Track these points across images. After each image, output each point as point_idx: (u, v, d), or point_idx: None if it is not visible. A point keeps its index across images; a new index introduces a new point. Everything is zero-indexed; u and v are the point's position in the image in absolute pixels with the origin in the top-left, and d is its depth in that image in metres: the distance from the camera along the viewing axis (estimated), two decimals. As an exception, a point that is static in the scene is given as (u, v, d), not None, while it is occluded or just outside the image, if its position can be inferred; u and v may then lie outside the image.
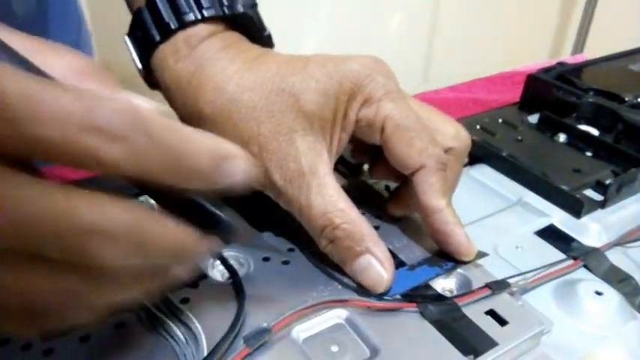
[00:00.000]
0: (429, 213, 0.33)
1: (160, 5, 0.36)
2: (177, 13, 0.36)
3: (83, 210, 0.18)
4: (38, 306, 0.20)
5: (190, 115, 0.35)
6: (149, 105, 0.22)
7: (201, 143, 0.21)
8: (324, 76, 0.32)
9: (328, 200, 0.31)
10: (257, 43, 0.38)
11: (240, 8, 0.37)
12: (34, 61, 0.21)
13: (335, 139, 0.33)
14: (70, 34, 0.60)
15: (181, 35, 0.36)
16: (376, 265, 0.31)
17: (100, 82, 0.23)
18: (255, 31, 0.39)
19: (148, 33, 0.36)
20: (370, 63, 0.33)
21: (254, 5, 0.39)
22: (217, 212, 0.24)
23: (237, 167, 0.22)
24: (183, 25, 0.36)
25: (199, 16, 0.36)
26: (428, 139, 0.33)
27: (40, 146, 0.17)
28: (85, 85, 0.22)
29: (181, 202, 0.23)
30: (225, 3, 0.37)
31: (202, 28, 0.36)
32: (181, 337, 0.28)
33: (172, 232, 0.21)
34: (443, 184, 0.33)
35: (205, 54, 0.35)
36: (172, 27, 0.35)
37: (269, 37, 0.40)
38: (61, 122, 0.17)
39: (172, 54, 0.35)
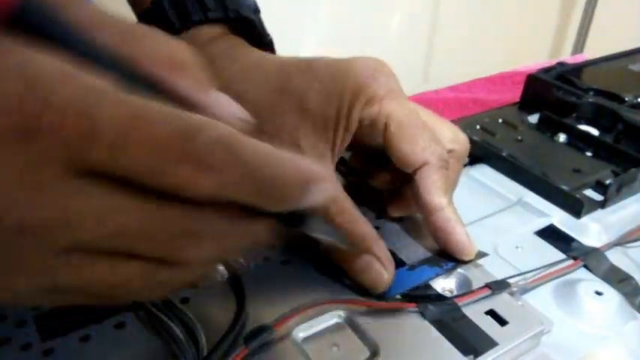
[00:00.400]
0: (430, 211, 0.33)
1: (167, 6, 0.36)
2: (183, 14, 0.36)
3: (173, 221, 0.19)
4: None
5: None
6: (239, 112, 0.22)
7: (292, 169, 0.21)
8: (327, 76, 0.32)
9: None
10: (259, 48, 0.38)
11: (243, 13, 0.38)
12: (129, 48, 0.21)
13: (338, 139, 0.33)
14: None
15: (185, 37, 0.36)
16: (376, 264, 0.31)
17: (195, 78, 0.22)
18: (257, 37, 0.39)
19: None
20: (373, 64, 0.33)
21: (257, 11, 0.39)
22: None
23: (323, 191, 0.22)
24: (187, 25, 0.36)
25: (204, 18, 0.36)
26: (430, 137, 0.33)
27: (132, 174, 0.17)
28: (180, 81, 0.21)
29: None
30: (230, 7, 0.37)
31: (206, 31, 0.36)
32: (181, 337, 0.28)
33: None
34: (445, 182, 0.33)
35: (209, 54, 0.35)
36: (177, 27, 0.36)
37: (271, 42, 0.40)
38: (156, 152, 0.17)
39: None
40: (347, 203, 0.32)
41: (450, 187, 0.34)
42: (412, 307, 0.30)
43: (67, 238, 0.18)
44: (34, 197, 0.17)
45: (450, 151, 0.35)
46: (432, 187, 0.33)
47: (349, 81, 0.32)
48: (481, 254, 0.35)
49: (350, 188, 0.40)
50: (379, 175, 0.37)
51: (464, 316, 0.30)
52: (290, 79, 0.33)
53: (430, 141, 0.32)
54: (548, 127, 0.51)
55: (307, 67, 0.33)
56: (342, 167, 0.44)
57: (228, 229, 0.21)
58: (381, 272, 0.31)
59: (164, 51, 0.22)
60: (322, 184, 0.21)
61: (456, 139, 0.35)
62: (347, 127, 0.33)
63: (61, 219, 0.17)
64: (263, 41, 0.40)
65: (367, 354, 0.28)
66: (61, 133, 0.16)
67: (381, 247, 0.31)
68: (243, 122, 0.22)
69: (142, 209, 0.18)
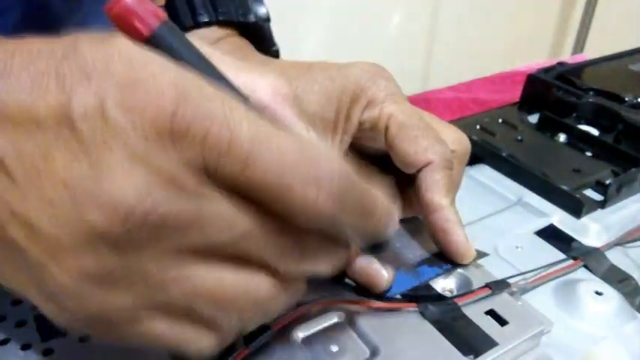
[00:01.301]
0: (431, 210, 0.33)
1: (178, 4, 0.37)
2: (193, 13, 0.37)
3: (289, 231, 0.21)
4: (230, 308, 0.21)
5: None
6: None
7: (382, 205, 0.23)
8: (326, 79, 0.33)
9: None
10: (264, 54, 0.39)
11: (252, 18, 0.38)
12: (238, 81, 0.24)
13: (336, 141, 0.33)
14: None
15: (192, 36, 0.36)
16: (376, 264, 0.31)
17: (294, 109, 0.26)
18: (264, 43, 0.40)
19: None
20: (372, 68, 0.34)
21: (267, 20, 0.40)
22: None
23: (393, 223, 0.24)
24: (197, 24, 0.36)
25: (214, 18, 0.37)
26: (433, 136, 0.33)
27: (260, 186, 0.19)
28: (284, 111, 0.25)
29: None
30: (240, 11, 0.38)
31: (214, 32, 0.37)
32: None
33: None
34: (448, 183, 0.33)
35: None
36: (186, 25, 0.36)
37: (277, 52, 0.41)
38: (285, 170, 0.19)
39: None
40: None
41: (453, 188, 0.34)
42: (412, 307, 0.30)
43: (197, 238, 0.19)
44: (177, 196, 0.18)
45: (451, 152, 0.35)
46: (434, 185, 0.32)
47: (348, 84, 0.33)
48: (481, 254, 0.35)
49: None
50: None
51: (464, 316, 0.30)
52: (290, 81, 0.33)
53: (433, 141, 0.32)
54: (548, 127, 0.51)
55: (307, 70, 0.34)
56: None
57: (324, 252, 0.23)
58: (381, 272, 0.31)
59: (269, 83, 0.25)
60: (394, 217, 0.24)
61: (457, 140, 0.35)
62: (345, 129, 0.33)
63: (196, 218, 0.19)
64: (269, 49, 0.40)
65: (367, 354, 0.28)
66: (205, 141, 0.18)
67: None
68: None
69: (263, 223, 0.20)
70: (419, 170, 0.33)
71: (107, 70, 0.18)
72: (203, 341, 0.22)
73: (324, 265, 0.23)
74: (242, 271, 0.21)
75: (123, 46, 0.19)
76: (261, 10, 0.40)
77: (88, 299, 0.19)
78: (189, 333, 0.21)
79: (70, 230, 0.18)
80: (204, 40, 0.37)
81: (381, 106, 0.33)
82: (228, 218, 0.19)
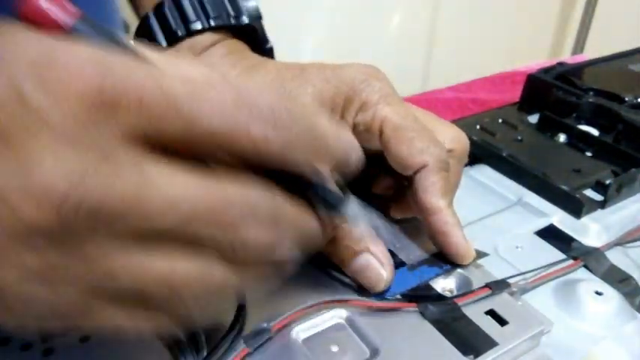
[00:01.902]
0: (428, 213, 0.33)
1: (168, 13, 0.36)
2: (185, 21, 0.36)
3: (236, 199, 0.20)
4: (175, 295, 0.20)
5: None
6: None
7: (331, 129, 0.23)
8: (321, 81, 0.33)
9: None
10: (259, 54, 0.38)
11: (245, 20, 0.38)
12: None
13: None
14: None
15: (187, 43, 0.36)
16: (375, 264, 0.31)
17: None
18: (258, 43, 0.40)
19: (154, 38, 0.37)
20: (366, 69, 0.34)
21: (259, 18, 0.39)
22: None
23: (358, 158, 0.25)
24: (190, 33, 0.36)
25: (207, 25, 0.36)
26: (428, 138, 0.32)
27: (206, 140, 0.19)
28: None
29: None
30: (232, 14, 0.38)
31: (207, 37, 0.37)
32: (181, 337, 0.28)
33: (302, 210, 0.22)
34: (444, 184, 0.32)
35: (208, 60, 0.35)
36: (180, 34, 0.36)
37: (271, 50, 0.41)
38: (227, 115, 0.19)
39: None
40: None
41: (451, 189, 0.34)
42: (412, 307, 0.30)
43: (139, 223, 0.18)
44: (114, 176, 0.17)
45: (449, 151, 0.35)
46: (430, 188, 0.32)
47: (342, 85, 0.33)
48: (481, 254, 0.35)
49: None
50: (380, 181, 0.37)
51: (464, 316, 0.30)
52: (284, 83, 0.33)
53: (428, 142, 0.32)
54: (548, 127, 0.51)
55: (301, 71, 0.34)
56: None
57: (282, 214, 0.21)
58: (380, 271, 0.31)
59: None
60: (359, 153, 0.24)
61: (455, 138, 0.35)
62: None
63: (137, 199, 0.18)
64: (263, 47, 0.40)
65: (367, 354, 0.28)
66: (141, 108, 0.17)
67: (379, 247, 0.31)
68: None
69: (208, 188, 0.19)
70: (415, 172, 0.32)
71: (16, 55, 0.17)
72: (164, 326, 0.21)
73: (283, 245, 0.22)
74: (194, 255, 0.20)
75: (26, 31, 0.18)
76: (251, 5, 0.40)
77: (35, 297, 0.18)
78: (148, 319, 0.20)
79: (4, 230, 0.17)
80: (198, 47, 0.37)
81: (374, 108, 0.32)
82: (171, 196, 0.18)
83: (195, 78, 0.19)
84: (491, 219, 0.41)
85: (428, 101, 0.64)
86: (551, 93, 0.54)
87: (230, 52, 0.37)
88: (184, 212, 0.18)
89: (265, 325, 0.28)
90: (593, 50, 1.03)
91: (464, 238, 0.33)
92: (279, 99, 0.20)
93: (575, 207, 0.41)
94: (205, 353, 0.27)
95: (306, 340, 0.29)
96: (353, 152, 0.24)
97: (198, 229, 0.19)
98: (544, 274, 0.35)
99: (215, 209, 0.19)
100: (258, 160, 0.20)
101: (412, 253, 0.35)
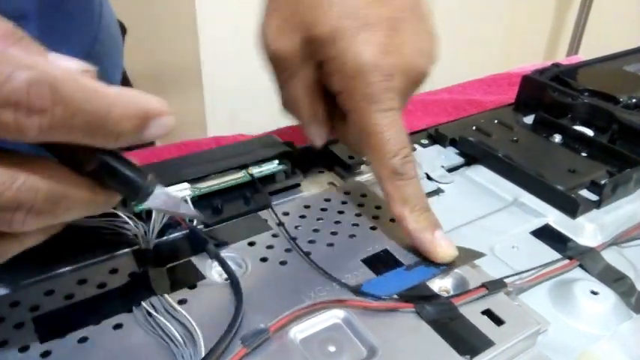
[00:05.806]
0: (398, 220, 0.35)
1: None
2: None
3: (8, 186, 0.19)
4: None
5: None
6: (74, 65, 0.21)
7: (126, 106, 0.21)
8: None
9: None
10: None
11: None
12: None
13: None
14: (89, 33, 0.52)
15: None
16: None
17: (26, 48, 0.20)
18: None
19: None
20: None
21: None
22: (126, 172, 0.23)
23: (162, 124, 0.22)
24: None
25: None
26: (383, 151, 0.34)
27: None
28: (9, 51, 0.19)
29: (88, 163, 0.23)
30: None
31: None
32: (179, 338, 0.28)
33: (84, 190, 0.22)
34: (401, 193, 0.34)
35: None
36: None
37: None
38: None
39: None
40: None
41: (409, 196, 0.34)
42: (409, 307, 0.31)
43: None
44: None
45: (403, 159, 0.34)
46: (389, 198, 0.34)
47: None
48: (477, 254, 0.35)
49: (348, 189, 0.41)
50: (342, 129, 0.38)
51: (460, 315, 0.30)
52: None
53: (381, 154, 0.33)
54: (543, 127, 0.51)
55: None
56: (339, 168, 0.44)
57: (54, 194, 0.21)
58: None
59: None
60: (162, 119, 0.22)
61: (415, 56, 0.35)
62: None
63: None
64: None
65: (364, 354, 0.28)
66: None
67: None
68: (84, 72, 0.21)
69: None
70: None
71: None
72: None
73: (57, 221, 0.22)
74: None
75: None
76: None
77: None
78: None
79: None
80: None
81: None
82: None
83: None
84: (488, 219, 0.41)
85: (423, 102, 0.64)
86: (547, 94, 0.54)
87: None
88: None
89: (263, 325, 0.28)
90: (588, 51, 1.04)
91: (430, 241, 0.34)
92: (38, 71, 0.18)
93: (571, 207, 0.41)
94: (203, 354, 0.27)
95: (304, 341, 0.29)
96: (147, 124, 0.22)
97: None
98: (540, 273, 0.35)
99: None
100: (16, 141, 0.19)
101: (409, 253, 0.35)
